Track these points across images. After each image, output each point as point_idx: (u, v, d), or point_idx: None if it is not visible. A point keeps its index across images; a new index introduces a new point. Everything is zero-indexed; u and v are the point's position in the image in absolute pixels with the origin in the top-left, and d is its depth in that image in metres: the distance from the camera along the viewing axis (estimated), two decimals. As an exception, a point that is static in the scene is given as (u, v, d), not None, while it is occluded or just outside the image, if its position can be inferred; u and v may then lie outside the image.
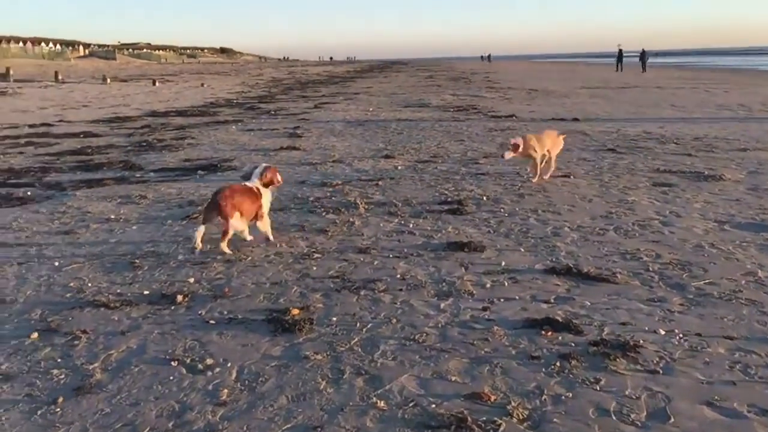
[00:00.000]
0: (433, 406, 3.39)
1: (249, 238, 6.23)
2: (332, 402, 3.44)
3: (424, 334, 4.25)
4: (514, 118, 18.02)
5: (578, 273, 5.38)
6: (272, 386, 3.61)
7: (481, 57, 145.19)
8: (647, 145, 12.46)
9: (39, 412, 3.36)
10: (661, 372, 3.72)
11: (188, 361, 3.90)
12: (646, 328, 4.32)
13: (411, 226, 6.96)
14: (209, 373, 3.76)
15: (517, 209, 7.61)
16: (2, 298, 4.94)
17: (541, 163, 9.02)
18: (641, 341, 4.10)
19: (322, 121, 18.24)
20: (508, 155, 8.65)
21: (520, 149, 8.65)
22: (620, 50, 58.10)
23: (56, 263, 5.78)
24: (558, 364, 3.82)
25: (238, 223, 5.85)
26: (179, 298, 4.87)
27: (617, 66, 56.90)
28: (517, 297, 4.91)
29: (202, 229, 5.91)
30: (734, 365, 3.80)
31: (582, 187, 8.78)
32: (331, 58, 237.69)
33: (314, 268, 5.60)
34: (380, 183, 9.20)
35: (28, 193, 8.75)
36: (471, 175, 9.68)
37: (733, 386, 3.56)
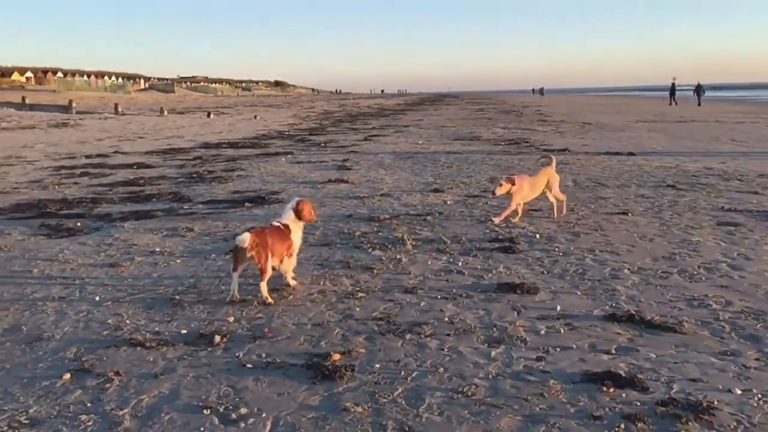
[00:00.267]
0: (483, 471, 3.08)
1: (293, 283, 5.98)
2: (372, 462, 3.16)
3: (474, 386, 3.93)
4: (567, 151, 17.58)
5: (641, 320, 4.99)
6: (308, 441, 3.35)
7: (533, 90, 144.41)
8: (709, 182, 11.91)
9: (63, 462, 3.17)
10: (740, 439, 3.33)
11: (221, 409, 3.67)
12: (720, 387, 3.91)
13: (460, 264, 6.67)
14: (242, 424, 3.52)
15: (572, 248, 7.24)
16: (39, 335, 4.83)
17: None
18: (715, 402, 3.70)
19: (372, 153, 18.15)
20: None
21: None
22: (673, 84, 57.19)
23: (97, 298, 5.68)
24: (623, 426, 3.46)
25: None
26: (217, 338, 4.67)
27: (671, 100, 55.91)
28: (574, 346, 4.56)
29: (236, 278, 5.57)
30: (825, 434, 3.37)
31: (641, 226, 8.34)
32: (382, 90, 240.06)
33: (358, 309, 5.35)
34: (428, 218, 8.94)
35: (78, 224, 8.78)
36: (524, 211, 9.32)
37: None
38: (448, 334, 4.78)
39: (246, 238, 5.28)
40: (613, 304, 5.40)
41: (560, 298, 5.59)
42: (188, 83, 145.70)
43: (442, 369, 4.19)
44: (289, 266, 5.88)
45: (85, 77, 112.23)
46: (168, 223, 8.82)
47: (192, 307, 5.43)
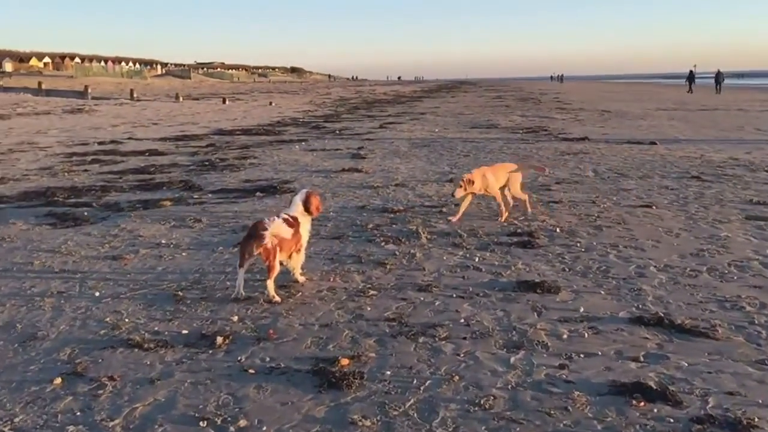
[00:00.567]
0: (502, 497, 2.80)
1: (302, 279, 5.72)
2: (380, 485, 2.89)
3: (491, 398, 3.64)
4: (586, 140, 17.15)
5: (670, 324, 4.67)
6: (312, 459, 3.09)
7: (551, 77, 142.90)
8: (735, 173, 11.47)
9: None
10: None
11: (218, 421, 3.41)
12: (760, 401, 3.59)
13: (477, 260, 6.36)
14: (240, 439, 3.26)
15: (594, 243, 6.90)
16: (34, 333, 4.60)
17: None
18: (756, 419, 3.38)
19: (387, 141, 17.82)
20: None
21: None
22: (691, 71, 56.55)
23: (97, 293, 5.44)
24: (655, 447, 3.16)
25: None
26: (219, 340, 4.41)
27: (689, 87, 55.22)
28: (599, 352, 4.25)
29: (242, 275, 5.32)
30: None
31: (666, 220, 7.98)
32: (399, 77, 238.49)
33: (369, 308, 5.07)
34: (444, 209, 8.64)
35: (85, 213, 8.57)
36: (542, 203, 8.99)
37: None
38: (464, 338, 4.50)
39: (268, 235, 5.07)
40: (640, 306, 5.08)
41: (583, 298, 5.28)
42: (205, 69, 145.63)
43: (457, 377, 3.90)
44: (297, 262, 5.61)
45: (103, 63, 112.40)
46: (176, 212, 8.58)
47: (195, 304, 5.18)
